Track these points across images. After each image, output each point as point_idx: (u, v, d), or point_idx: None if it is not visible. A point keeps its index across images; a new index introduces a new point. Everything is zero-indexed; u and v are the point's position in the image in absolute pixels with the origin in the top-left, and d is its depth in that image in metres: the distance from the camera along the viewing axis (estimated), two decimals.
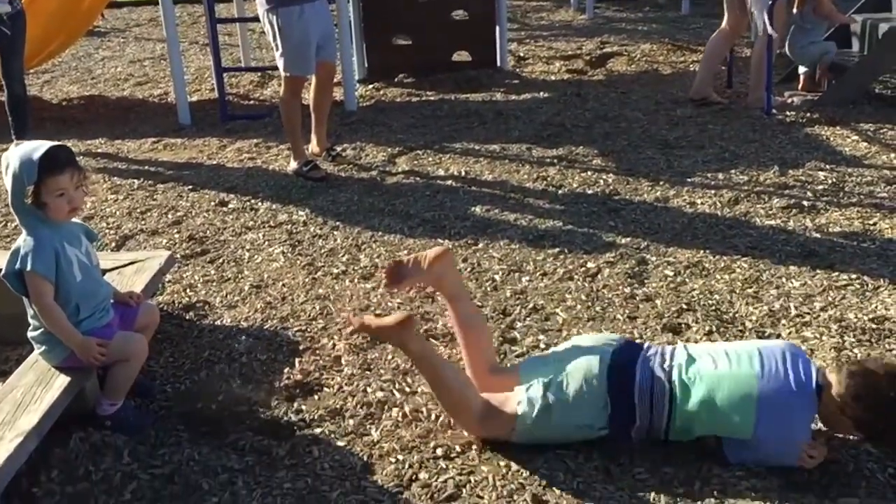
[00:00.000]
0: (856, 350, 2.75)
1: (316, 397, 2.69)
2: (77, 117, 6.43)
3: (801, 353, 2.32)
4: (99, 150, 5.47)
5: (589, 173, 4.52)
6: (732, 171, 4.44)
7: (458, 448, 2.39)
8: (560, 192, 4.32)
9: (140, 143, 5.55)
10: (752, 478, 2.18)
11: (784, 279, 3.28)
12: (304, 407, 2.63)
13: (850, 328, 2.89)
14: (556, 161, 4.74)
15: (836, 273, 3.29)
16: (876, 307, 3.03)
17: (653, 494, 2.17)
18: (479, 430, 2.38)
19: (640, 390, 2.25)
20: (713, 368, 2.24)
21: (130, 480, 2.29)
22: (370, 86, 6.48)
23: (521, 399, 2.32)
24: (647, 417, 2.25)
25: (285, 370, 2.83)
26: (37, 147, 2.27)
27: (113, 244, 3.96)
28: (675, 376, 2.25)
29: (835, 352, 2.74)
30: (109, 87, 7.31)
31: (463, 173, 4.63)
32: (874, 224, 3.72)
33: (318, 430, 2.51)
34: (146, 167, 5.09)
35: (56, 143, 2.34)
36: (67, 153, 2.34)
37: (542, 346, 2.89)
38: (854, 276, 3.26)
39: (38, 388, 2.36)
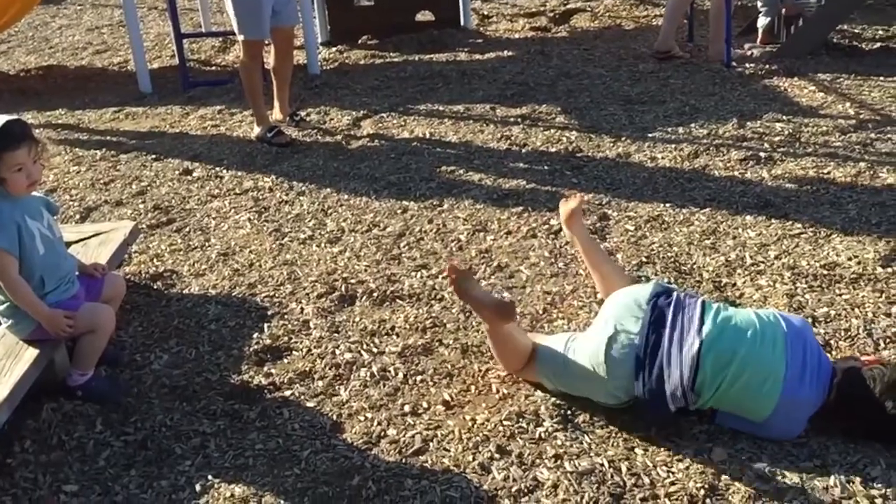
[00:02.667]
0: (807, 296, 2.85)
1: (285, 360, 2.74)
2: (35, 88, 6.33)
3: (811, 333, 2.33)
4: (59, 122, 5.41)
5: (552, 131, 4.56)
6: (692, 124, 4.50)
7: (424, 405, 2.47)
8: (524, 150, 4.36)
9: (101, 113, 5.50)
10: (705, 423, 2.27)
11: (740, 229, 3.37)
12: (273, 370, 2.68)
13: (802, 275, 2.98)
14: (519, 120, 4.77)
15: (791, 222, 3.38)
16: (828, 254, 3.12)
17: (611, 440, 2.25)
18: (524, 374, 2.49)
19: (670, 377, 2.20)
20: (742, 348, 2.19)
21: (104, 448, 2.34)
22: (333, 49, 6.44)
23: (538, 365, 2.44)
24: (680, 401, 2.23)
25: (254, 335, 2.87)
26: None
27: (77, 216, 3.95)
28: (703, 365, 2.18)
29: (787, 298, 2.84)
30: (67, 56, 7.19)
31: (427, 135, 4.66)
32: (828, 173, 3.81)
33: (287, 393, 2.57)
34: (108, 137, 5.05)
35: (11, 117, 2.33)
36: (23, 127, 2.33)
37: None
38: (808, 224, 3.36)
39: (7, 361, 2.38)
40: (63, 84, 6.38)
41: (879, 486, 2.06)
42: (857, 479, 2.07)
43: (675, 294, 2.38)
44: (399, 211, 3.76)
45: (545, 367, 2.43)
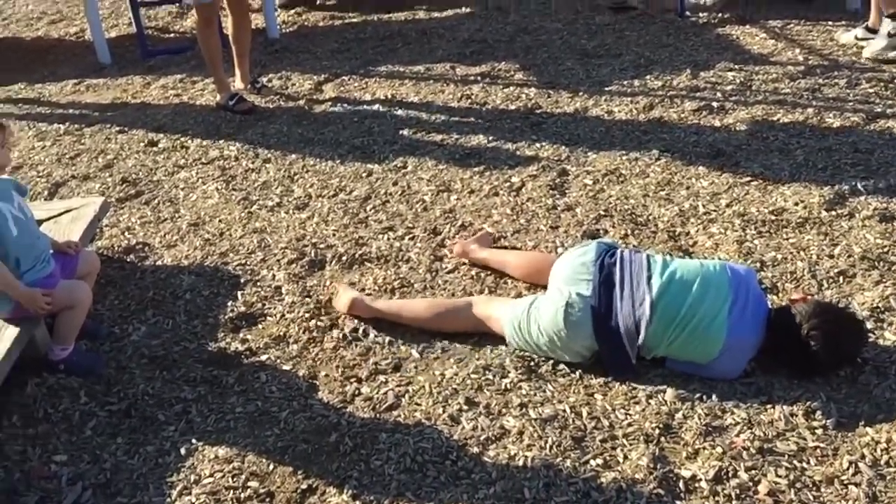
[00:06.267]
0: (756, 241, 2.99)
1: (260, 326, 2.84)
2: None
3: (755, 280, 2.47)
4: (20, 97, 5.38)
5: (511, 89, 4.64)
6: (648, 76, 4.60)
7: (395, 363, 2.58)
8: (484, 109, 4.44)
9: (61, 86, 5.47)
10: (659, 367, 2.42)
11: (694, 179, 3.50)
12: (249, 336, 2.78)
13: (751, 221, 3.12)
14: (479, 78, 4.84)
15: (742, 170, 3.52)
16: (776, 200, 3.26)
17: (572, 387, 2.40)
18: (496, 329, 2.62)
19: (627, 331, 2.35)
20: (689, 298, 2.31)
21: (89, 418, 2.44)
22: (291, 11, 6.41)
23: (506, 332, 2.57)
24: (637, 353, 2.39)
25: (229, 303, 2.96)
26: None
27: (45, 192, 3.98)
28: (655, 318, 2.32)
29: (737, 244, 2.98)
30: (22, 27, 7.08)
31: (389, 97, 4.71)
32: (777, 119, 3.94)
33: (264, 357, 2.67)
34: (70, 111, 5.04)
35: None
36: None
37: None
38: (757, 171, 3.49)
39: None
40: (20, 57, 6.30)
41: (820, 417, 2.22)
42: (800, 412, 2.24)
43: (618, 252, 2.51)
44: (364, 174, 3.84)
45: (514, 338, 2.54)
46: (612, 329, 2.36)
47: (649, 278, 2.38)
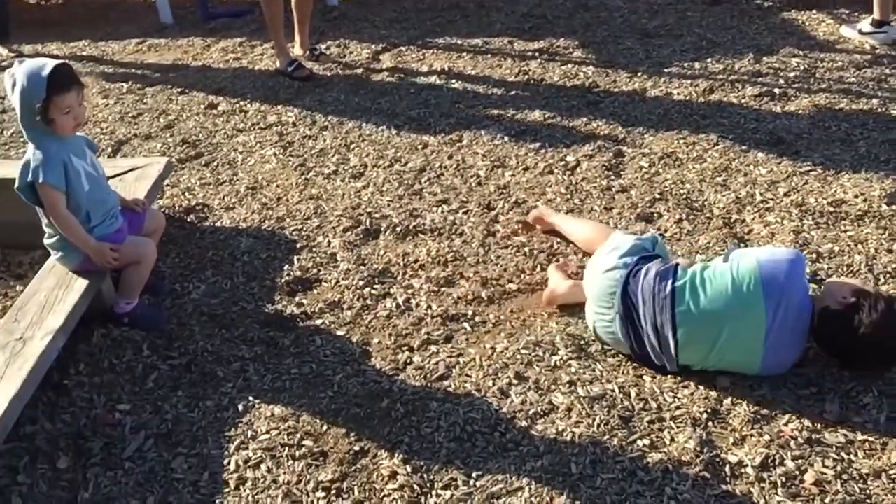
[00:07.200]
0: (813, 233, 2.97)
1: (315, 291, 2.90)
2: (57, 19, 6.39)
3: (801, 267, 2.32)
4: (84, 54, 5.49)
5: (569, 66, 4.62)
6: (709, 59, 4.54)
7: (447, 334, 2.63)
8: (541, 86, 4.43)
9: (124, 45, 5.57)
10: None
11: (752, 166, 3.47)
12: (304, 301, 2.85)
13: (809, 212, 3.09)
14: (537, 54, 4.82)
15: (801, 159, 3.48)
16: (835, 191, 3.23)
17: (621, 368, 2.42)
18: None
19: (649, 333, 2.33)
20: (722, 335, 2.25)
21: (151, 370, 2.53)
22: None
23: None
24: (658, 355, 2.36)
25: (285, 267, 3.03)
26: (43, 65, 2.37)
27: (109, 149, 4.09)
28: (678, 322, 2.28)
29: (793, 234, 2.96)
30: None
31: (446, 69, 4.72)
32: (840, 109, 3.88)
33: (318, 322, 2.74)
34: (133, 70, 5.14)
35: (59, 61, 2.44)
36: (71, 71, 2.45)
37: (523, 238, 3.10)
38: (818, 161, 3.45)
39: (59, 291, 2.56)
40: (84, 14, 6.42)
41: (872, 411, 2.22)
42: (851, 405, 2.24)
43: (641, 274, 2.38)
44: (419, 146, 3.87)
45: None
46: (643, 349, 2.38)
47: (673, 319, 2.28)
